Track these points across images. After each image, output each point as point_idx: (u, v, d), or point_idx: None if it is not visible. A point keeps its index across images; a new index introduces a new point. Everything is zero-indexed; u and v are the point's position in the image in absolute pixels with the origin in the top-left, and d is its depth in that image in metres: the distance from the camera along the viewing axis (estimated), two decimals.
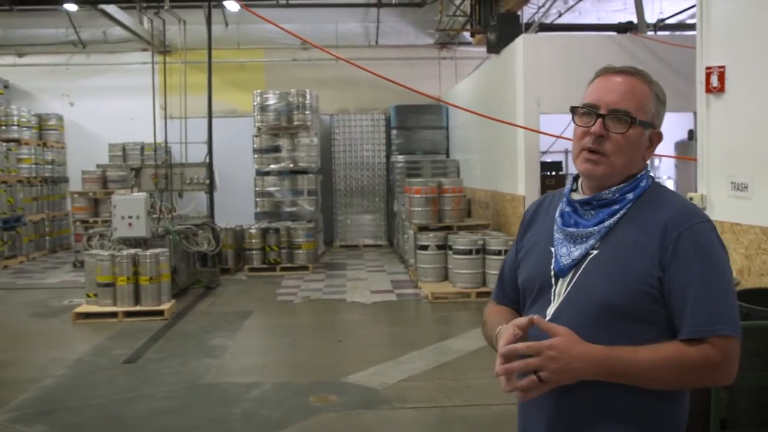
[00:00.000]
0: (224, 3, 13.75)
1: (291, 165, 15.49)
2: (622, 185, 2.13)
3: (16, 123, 16.77)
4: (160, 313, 10.11)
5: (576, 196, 2.21)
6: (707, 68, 6.08)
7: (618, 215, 2.11)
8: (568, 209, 2.21)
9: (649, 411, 2.04)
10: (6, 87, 17.87)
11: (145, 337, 9.09)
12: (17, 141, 16.54)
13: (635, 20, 12.31)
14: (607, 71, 2.18)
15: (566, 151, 15.83)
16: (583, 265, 2.10)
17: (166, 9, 14.47)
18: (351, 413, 6.36)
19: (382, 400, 6.65)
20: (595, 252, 2.10)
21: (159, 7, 14.76)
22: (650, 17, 12.80)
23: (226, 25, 17.12)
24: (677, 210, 2.07)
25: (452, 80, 17.81)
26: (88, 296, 10.34)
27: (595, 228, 2.12)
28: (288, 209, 15.42)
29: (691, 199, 6.43)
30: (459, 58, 18.25)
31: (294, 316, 10.54)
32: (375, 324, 9.85)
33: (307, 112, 15.53)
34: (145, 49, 17.10)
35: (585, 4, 14.82)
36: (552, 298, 2.14)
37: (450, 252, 11.61)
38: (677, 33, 13.25)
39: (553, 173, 15.19)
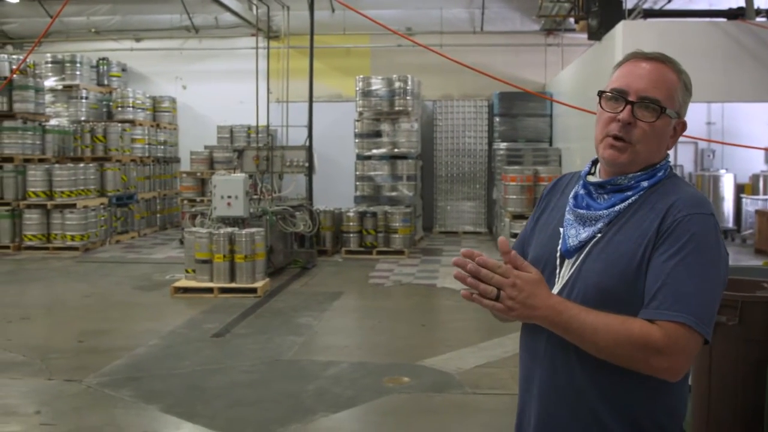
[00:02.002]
0: None
1: (394, 150, 15.62)
2: (639, 173, 2.11)
3: (131, 105, 17.61)
4: (254, 290, 10.41)
5: (592, 179, 2.19)
6: None
7: (629, 201, 2.09)
8: (582, 191, 2.19)
9: (638, 400, 2.03)
10: (124, 70, 18.73)
11: (236, 312, 9.40)
12: (132, 122, 17.36)
13: None
14: (637, 56, 2.13)
15: None
16: (587, 248, 2.10)
17: None
18: (421, 395, 6.44)
19: (455, 384, 6.69)
20: (599, 235, 2.09)
21: None
22: (764, 2, 12.22)
23: (333, 10, 17.33)
24: (685, 197, 2.03)
25: (558, 67, 17.44)
26: (187, 272, 10.79)
27: (604, 211, 2.10)
28: (387, 194, 15.55)
29: None
30: (566, 44, 17.85)
31: (382, 299, 10.67)
32: (461, 310, 9.83)
33: (408, 98, 15.62)
34: (253, 34, 17.53)
35: None
36: (556, 279, 2.14)
37: None
38: None
39: None
